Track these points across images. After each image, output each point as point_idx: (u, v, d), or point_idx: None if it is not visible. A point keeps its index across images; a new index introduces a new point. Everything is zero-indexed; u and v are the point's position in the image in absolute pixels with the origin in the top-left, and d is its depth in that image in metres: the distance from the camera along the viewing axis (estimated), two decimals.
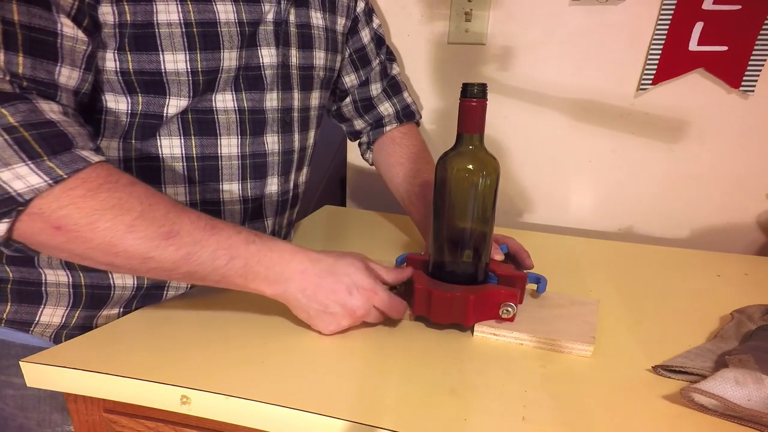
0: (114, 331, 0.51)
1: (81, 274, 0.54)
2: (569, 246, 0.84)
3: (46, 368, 0.44)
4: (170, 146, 0.53)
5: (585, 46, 0.86)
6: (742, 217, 0.89)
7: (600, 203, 0.95)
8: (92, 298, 0.55)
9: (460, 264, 0.54)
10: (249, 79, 0.55)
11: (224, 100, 0.54)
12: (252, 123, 0.57)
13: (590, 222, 0.96)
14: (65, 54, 0.42)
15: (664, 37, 0.82)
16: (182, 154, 0.54)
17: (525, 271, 0.59)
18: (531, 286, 0.59)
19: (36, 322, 0.54)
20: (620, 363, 0.48)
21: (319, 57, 0.63)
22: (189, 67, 0.49)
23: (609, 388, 0.44)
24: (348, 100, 0.78)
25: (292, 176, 0.65)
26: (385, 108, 0.78)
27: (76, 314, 0.55)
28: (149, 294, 0.58)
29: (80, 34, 0.43)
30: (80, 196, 0.40)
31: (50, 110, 0.40)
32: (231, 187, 0.58)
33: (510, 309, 0.51)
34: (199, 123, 0.53)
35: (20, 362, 0.45)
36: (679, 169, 0.89)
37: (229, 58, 0.52)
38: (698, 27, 0.80)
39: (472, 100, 0.50)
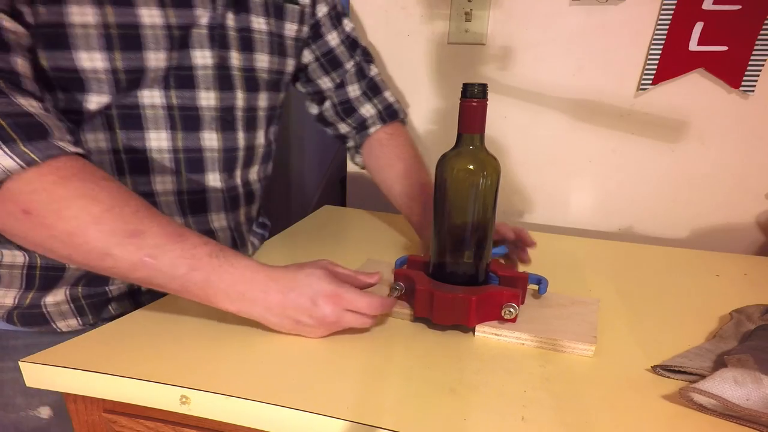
0: (114, 331, 0.51)
1: (37, 255, 0.55)
2: (569, 246, 0.84)
3: (46, 368, 0.44)
4: (95, 140, 0.53)
5: (585, 46, 0.86)
6: (742, 217, 0.89)
7: (600, 203, 0.95)
8: (45, 280, 0.56)
9: (461, 264, 0.54)
10: (180, 78, 0.56)
11: (152, 96, 0.54)
12: (184, 119, 0.57)
13: (590, 222, 0.96)
14: (13, 46, 0.43)
15: (664, 37, 0.82)
16: (108, 147, 0.54)
17: (526, 272, 0.59)
18: (532, 287, 0.59)
19: None
20: (620, 363, 0.48)
21: (262, 60, 0.64)
22: (109, 66, 0.50)
23: (608, 388, 0.45)
24: (327, 104, 0.78)
25: (238, 173, 0.65)
26: (367, 110, 0.78)
27: (29, 296, 0.56)
28: (96, 276, 0.57)
29: (19, 28, 0.44)
30: (51, 183, 0.40)
31: (29, 104, 0.42)
32: (164, 179, 0.58)
33: (512, 310, 0.51)
34: (123, 118, 0.54)
35: (19, 362, 0.45)
36: (679, 169, 0.89)
37: (156, 59, 0.52)
38: (698, 27, 0.80)
39: (473, 100, 0.50)
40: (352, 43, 0.77)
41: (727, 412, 0.40)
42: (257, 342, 0.50)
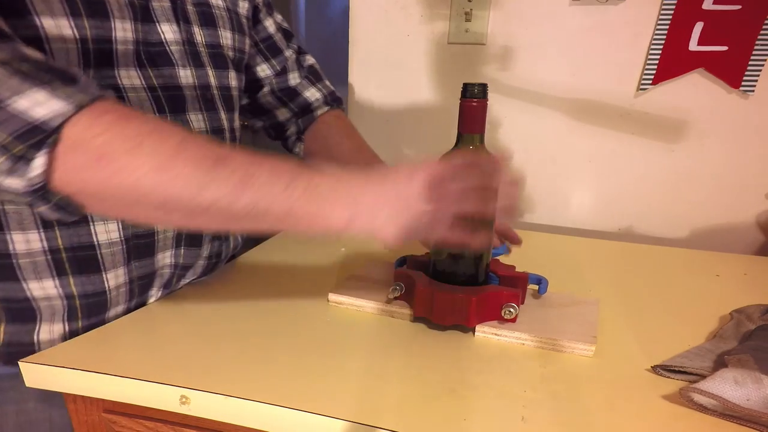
0: (114, 331, 0.51)
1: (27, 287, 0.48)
2: (569, 246, 0.84)
3: (46, 368, 0.44)
4: None
5: (585, 46, 0.86)
6: (742, 217, 0.89)
7: (600, 203, 0.95)
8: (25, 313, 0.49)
9: (462, 264, 0.54)
10: (153, 55, 0.52)
11: (129, 77, 0.50)
12: (169, 100, 0.53)
13: (590, 222, 0.96)
14: None
15: (664, 37, 0.82)
16: None
17: (526, 272, 0.59)
18: (532, 288, 0.59)
19: None
20: (620, 363, 0.48)
21: (226, 36, 0.61)
22: (77, 34, 0.44)
23: (608, 388, 0.44)
24: (266, 90, 0.76)
25: None
26: (312, 93, 0.77)
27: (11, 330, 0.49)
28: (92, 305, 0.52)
29: None
30: (112, 122, 0.35)
31: (32, 52, 0.37)
32: None
33: (512, 310, 0.51)
34: None
35: (19, 362, 0.45)
36: (679, 169, 0.89)
37: (123, 29, 0.48)
38: (698, 27, 0.80)
39: (473, 100, 0.49)
40: (287, 33, 0.76)
41: (728, 412, 0.40)
42: (257, 342, 0.49)
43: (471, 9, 0.88)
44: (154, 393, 0.43)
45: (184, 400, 0.42)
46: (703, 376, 0.43)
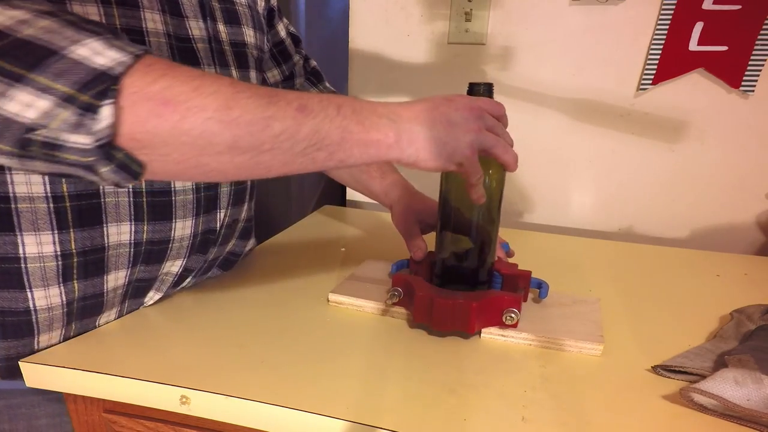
0: (114, 331, 0.51)
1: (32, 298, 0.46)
2: (569, 246, 0.84)
3: (46, 368, 0.44)
4: None
5: (585, 46, 0.86)
6: (742, 217, 0.89)
7: (600, 203, 0.95)
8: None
9: (466, 266, 0.54)
10: (182, 51, 0.51)
11: None
12: None
13: (590, 222, 0.96)
14: None
15: (664, 37, 0.82)
16: None
17: (529, 270, 0.58)
18: (533, 291, 0.59)
19: None
20: (620, 363, 0.48)
21: (249, 34, 0.60)
22: (105, 22, 0.43)
23: (608, 388, 0.44)
24: None
25: None
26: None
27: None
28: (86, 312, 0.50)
29: None
30: (165, 69, 0.35)
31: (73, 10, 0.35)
32: (185, 184, 0.54)
33: (513, 315, 0.50)
34: None
35: (20, 362, 0.45)
36: (679, 169, 0.89)
37: (152, 20, 0.48)
38: (698, 27, 0.80)
39: None
40: (295, 38, 0.76)
41: (728, 412, 0.40)
42: (257, 342, 0.49)
43: (471, 9, 0.88)
44: (154, 393, 0.43)
45: (184, 400, 0.42)
46: (703, 376, 0.43)
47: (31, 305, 0.46)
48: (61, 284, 0.47)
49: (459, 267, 0.55)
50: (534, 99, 0.92)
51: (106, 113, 0.32)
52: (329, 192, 1.40)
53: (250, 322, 0.53)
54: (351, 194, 1.10)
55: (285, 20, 0.75)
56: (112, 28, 0.36)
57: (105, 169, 0.35)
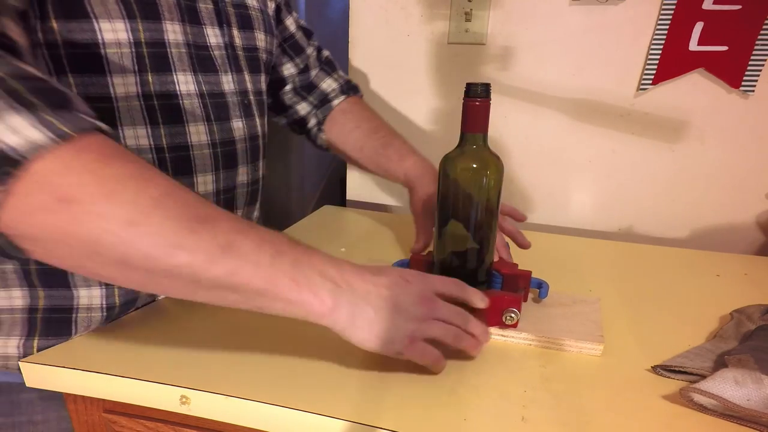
0: (114, 331, 0.51)
1: (40, 296, 0.48)
2: (569, 246, 0.84)
3: (46, 368, 0.44)
4: (135, 137, 0.47)
5: (585, 46, 0.86)
6: (742, 217, 0.89)
7: (600, 203, 0.95)
8: (48, 324, 0.49)
9: (465, 265, 0.54)
10: (201, 59, 0.52)
11: (186, 82, 0.50)
12: (215, 107, 0.53)
13: (590, 222, 0.96)
14: (1, 8, 0.36)
15: (664, 37, 0.82)
16: (150, 145, 0.48)
17: (529, 270, 0.58)
18: (533, 291, 0.59)
19: None
20: (619, 363, 0.48)
21: (260, 39, 0.61)
22: (131, 38, 0.43)
23: (608, 388, 0.44)
24: (288, 88, 0.76)
25: (260, 164, 0.62)
26: (328, 84, 0.78)
27: (33, 344, 0.49)
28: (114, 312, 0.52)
29: None
30: (94, 161, 0.32)
31: (35, 70, 0.33)
32: (206, 179, 0.53)
33: (513, 315, 0.50)
34: (166, 109, 0.48)
35: (20, 362, 0.45)
36: (679, 169, 0.89)
37: (173, 31, 0.48)
38: (698, 27, 0.80)
39: (476, 99, 0.50)
40: (306, 30, 0.77)
41: (728, 412, 0.40)
42: (257, 342, 0.49)
43: (471, 9, 0.88)
44: (154, 393, 0.43)
45: (184, 400, 0.42)
46: (703, 376, 0.43)
47: (75, 303, 0.49)
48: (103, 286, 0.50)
49: (457, 267, 0.55)
50: (534, 99, 0.91)
51: None
52: (329, 192, 1.40)
53: (250, 322, 0.53)
54: (351, 194, 1.10)
55: (294, 14, 0.75)
56: (69, 97, 0.34)
57: None
